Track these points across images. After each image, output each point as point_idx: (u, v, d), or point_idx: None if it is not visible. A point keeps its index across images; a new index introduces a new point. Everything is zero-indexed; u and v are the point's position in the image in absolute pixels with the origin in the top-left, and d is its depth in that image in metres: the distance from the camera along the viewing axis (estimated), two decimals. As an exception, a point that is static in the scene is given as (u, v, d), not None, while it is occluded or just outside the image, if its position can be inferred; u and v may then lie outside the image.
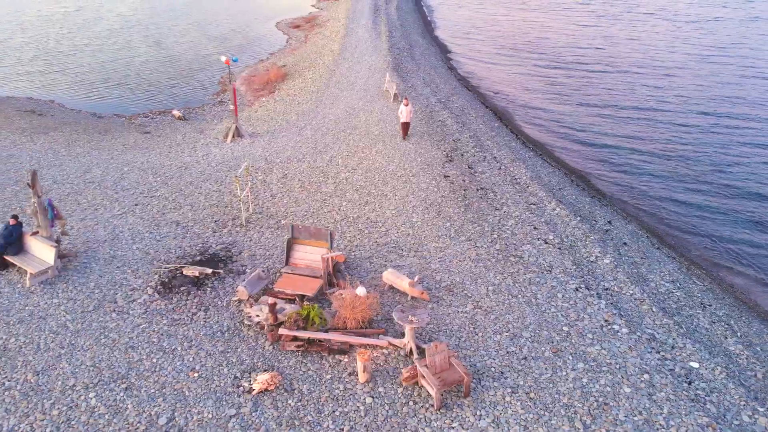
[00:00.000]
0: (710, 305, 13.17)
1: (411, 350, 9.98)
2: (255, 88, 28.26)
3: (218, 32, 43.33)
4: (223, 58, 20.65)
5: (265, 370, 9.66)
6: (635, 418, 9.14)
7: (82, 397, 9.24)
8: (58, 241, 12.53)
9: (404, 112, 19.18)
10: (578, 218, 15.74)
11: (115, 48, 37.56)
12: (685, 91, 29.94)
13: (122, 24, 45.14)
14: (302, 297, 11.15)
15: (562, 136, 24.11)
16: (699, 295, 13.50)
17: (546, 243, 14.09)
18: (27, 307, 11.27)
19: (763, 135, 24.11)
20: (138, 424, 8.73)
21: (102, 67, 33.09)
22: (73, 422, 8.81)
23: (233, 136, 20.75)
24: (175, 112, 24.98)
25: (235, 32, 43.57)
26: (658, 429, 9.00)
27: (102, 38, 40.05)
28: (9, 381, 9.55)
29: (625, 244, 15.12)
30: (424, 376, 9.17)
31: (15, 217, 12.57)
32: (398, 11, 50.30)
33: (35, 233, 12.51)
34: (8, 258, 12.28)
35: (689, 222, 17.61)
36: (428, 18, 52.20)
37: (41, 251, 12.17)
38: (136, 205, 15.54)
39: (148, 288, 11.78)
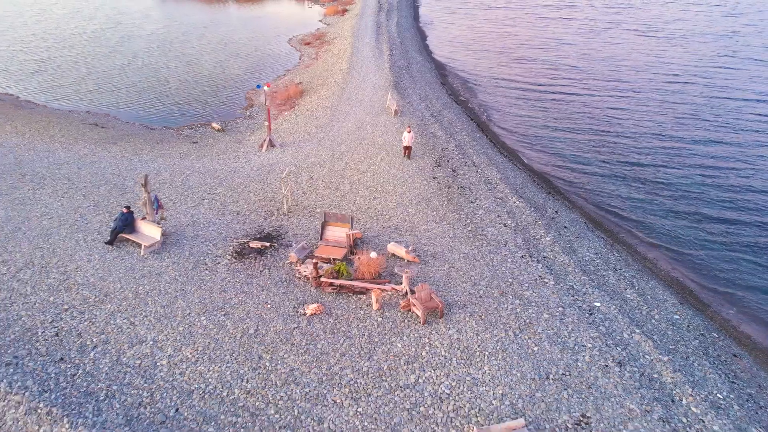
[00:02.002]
0: (620, 269, 18.48)
1: (406, 291, 15.28)
2: (278, 104, 33.51)
3: (239, 50, 48.63)
4: (263, 86, 25.92)
5: (312, 303, 14.99)
6: (549, 332, 14.45)
7: (196, 320, 14.55)
8: (159, 225, 17.83)
9: (407, 138, 23.45)
10: (532, 209, 21.06)
11: (152, 65, 42.85)
12: (641, 106, 35.25)
13: (156, 43, 50.44)
14: (334, 259, 16.46)
15: (532, 144, 29.42)
16: (614, 262, 18.82)
17: (505, 226, 19.41)
18: (145, 268, 16.58)
19: (694, 145, 29.41)
20: (235, 334, 14.05)
21: (143, 83, 38.38)
22: (193, 334, 14.12)
23: (267, 146, 26.05)
24: (215, 125, 30.29)
25: (254, 49, 48.87)
26: (563, 338, 14.31)
27: (140, 56, 45.35)
28: (144, 312, 14.86)
29: (565, 227, 20.44)
30: (414, 305, 14.50)
31: (128, 207, 17.88)
32: (398, 27, 55.62)
33: (143, 218, 17.82)
34: (125, 235, 17.58)
35: (623, 212, 22.87)
36: (425, 33, 57.48)
37: (150, 230, 17.49)
38: (203, 199, 20.87)
39: (227, 255, 17.12)
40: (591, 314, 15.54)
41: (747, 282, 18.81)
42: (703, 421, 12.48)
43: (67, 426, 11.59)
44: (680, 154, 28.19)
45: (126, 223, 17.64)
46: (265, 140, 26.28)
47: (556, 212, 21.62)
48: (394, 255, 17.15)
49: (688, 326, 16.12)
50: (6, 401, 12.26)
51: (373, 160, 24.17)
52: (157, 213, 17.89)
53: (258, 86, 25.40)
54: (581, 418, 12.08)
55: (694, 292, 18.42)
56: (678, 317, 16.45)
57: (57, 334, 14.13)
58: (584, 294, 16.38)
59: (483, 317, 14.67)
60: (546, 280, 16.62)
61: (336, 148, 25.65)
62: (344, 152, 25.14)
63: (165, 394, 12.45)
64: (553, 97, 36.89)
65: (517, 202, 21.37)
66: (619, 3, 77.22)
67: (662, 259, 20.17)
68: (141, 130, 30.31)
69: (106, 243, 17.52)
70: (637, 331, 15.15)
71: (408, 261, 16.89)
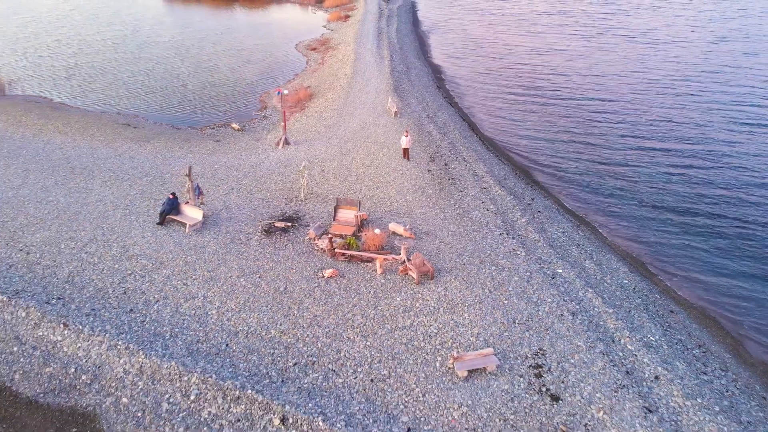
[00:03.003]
0: (583, 245, 22.13)
1: (404, 260, 18.91)
2: (289, 106, 37.11)
3: (251, 56, 52.28)
4: (280, 92, 29.51)
5: (329, 268, 18.63)
6: (517, 290, 18.09)
7: (237, 281, 18.19)
8: (200, 208, 21.47)
9: (404, 141, 26.87)
10: (512, 196, 24.72)
11: (174, 70, 46.50)
12: (617, 110, 38.89)
13: (174, 49, 54.09)
14: (345, 235, 20.10)
15: (516, 142, 33.05)
16: (578, 240, 22.46)
17: (487, 210, 23.06)
18: (191, 242, 20.23)
19: (659, 145, 33.04)
20: (268, 290, 17.70)
21: (167, 87, 42.01)
22: (235, 291, 17.76)
23: (283, 144, 29.67)
24: (234, 125, 33.93)
25: (265, 55, 52.51)
26: (528, 294, 17.95)
27: (161, 62, 49.01)
28: (194, 275, 18.50)
29: (539, 212, 24.10)
30: (410, 269, 18.14)
31: (173, 193, 21.53)
32: (398, 33, 59.28)
33: (187, 203, 21.48)
34: (172, 217, 21.21)
35: (592, 201, 26.48)
36: (423, 38, 61.12)
37: (193, 212, 21.13)
38: (232, 189, 24.52)
39: (257, 232, 20.77)
40: (553, 278, 19.20)
41: (692, 257, 22.42)
42: (636, 356, 16.13)
43: (142, 357, 15.26)
44: (646, 153, 31.81)
45: (173, 206, 21.29)
46: (281, 138, 29.92)
47: (533, 199, 25.28)
48: (394, 232, 20.79)
49: (634, 288, 19.77)
50: (90, 341, 15.95)
51: (375, 156, 27.80)
52: (198, 198, 21.54)
53: (278, 93, 28.99)
54: (538, 350, 15.74)
55: (644, 263, 22.07)
56: (627, 282, 20.11)
57: (125, 292, 17.80)
58: (549, 263, 20.04)
59: (465, 279, 18.33)
60: (518, 252, 20.27)
61: (343, 146, 29.28)
62: (350, 149, 28.76)
63: (216, 334, 16.12)
64: (538, 99, 40.54)
65: (499, 191, 25.03)
66: (609, 9, 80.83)
67: (620, 238, 23.81)
68: (168, 129, 33.95)
69: (157, 223, 21.18)
70: (591, 291, 18.81)
71: (406, 237, 20.53)
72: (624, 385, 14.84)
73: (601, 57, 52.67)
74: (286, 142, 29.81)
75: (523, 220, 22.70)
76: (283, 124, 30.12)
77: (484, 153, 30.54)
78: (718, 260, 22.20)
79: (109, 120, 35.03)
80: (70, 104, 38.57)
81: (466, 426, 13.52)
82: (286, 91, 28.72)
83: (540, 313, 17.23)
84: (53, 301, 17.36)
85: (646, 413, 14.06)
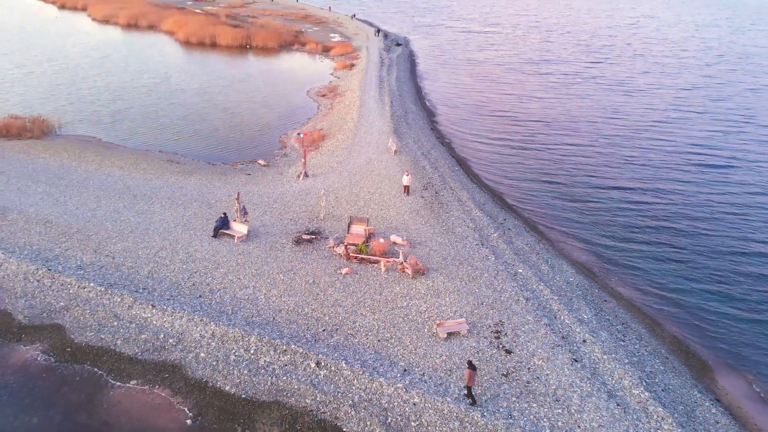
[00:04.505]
0: (541, 253, 28.32)
1: (402, 261, 25.05)
2: (306, 145, 43.86)
3: (269, 101, 59.59)
4: (301, 133, 36.22)
5: (345, 267, 24.81)
6: (486, 283, 24.21)
7: (277, 276, 24.33)
8: (245, 224, 27.80)
9: (405, 179, 33.37)
10: (488, 217, 31.08)
11: (205, 114, 53.61)
12: (584, 150, 45.71)
13: (205, 95, 61.53)
14: (357, 244, 26.34)
15: (495, 174, 39.61)
16: (538, 250, 28.67)
17: (467, 227, 29.38)
18: (239, 250, 26.43)
19: (616, 175, 39.61)
20: (301, 283, 23.83)
21: (200, 129, 48.91)
22: (276, 283, 23.89)
23: (303, 176, 36.20)
24: (260, 161, 40.56)
25: (280, 100, 59.82)
26: (494, 286, 24.06)
27: (194, 107, 56.24)
28: (244, 273, 24.63)
29: (509, 229, 30.41)
30: (406, 268, 24.32)
31: (224, 213, 27.88)
32: (397, 81, 66.91)
33: (235, 220, 27.81)
34: (223, 231, 27.49)
35: (554, 221, 32.79)
36: (419, 86, 68.75)
37: (240, 227, 27.43)
38: (265, 211, 30.88)
39: (289, 242, 27.03)
40: (515, 276, 25.35)
41: (629, 264, 28.58)
42: (571, 327, 22.15)
43: (213, 326, 21.29)
44: (602, 187, 38.36)
45: (224, 223, 27.61)
46: (301, 172, 36.49)
47: (505, 220, 31.63)
48: (394, 242, 27.03)
49: (577, 284, 25.89)
50: (173, 316, 22.00)
51: (379, 186, 34.27)
52: (244, 217, 27.90)
53: (299, 134, 35.61)
54: (498, 322, 21.77)
55: (590, 268, 28.22)
56: (572, 279, 26.24)
57: (193, 284, 23.94)
58: (512, 265, 26.22)
59: (447, 275, 24.48)
60: (489, 257, 26.47)
61: (352, 177, 35.81)
62: (359, 180, 35.27)
63: (265, 311, 22.19)
64: (516, 141, 47.42)
65: (478, 213, 31.41)
66: (593, 58, 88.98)
67: (573, 249, 30.03)
68: (205, 165, 40.57)
69: (211, 236, 27.47)
70: (542, 284, 24.93)
71: (403, 245, 26.75)
72: (559, 345, 20.84)
73: (577, 104, 59.99)
74: (306, 175, 36.35)
75: (495, 235, 28.99)
76: (303, 160, 36.77)
77: (468, 184, 37.07)
78: (650, 266, 28.38)
79: (154, 157, 41.69)
80: (117, 143, 45.33)
81: (445, 368, 19.46)
82: (303, 134, 35.31)
83: (502, 298, 23.33)
84: (140, 291, 23.48)
85: (572, 362, 20.01)
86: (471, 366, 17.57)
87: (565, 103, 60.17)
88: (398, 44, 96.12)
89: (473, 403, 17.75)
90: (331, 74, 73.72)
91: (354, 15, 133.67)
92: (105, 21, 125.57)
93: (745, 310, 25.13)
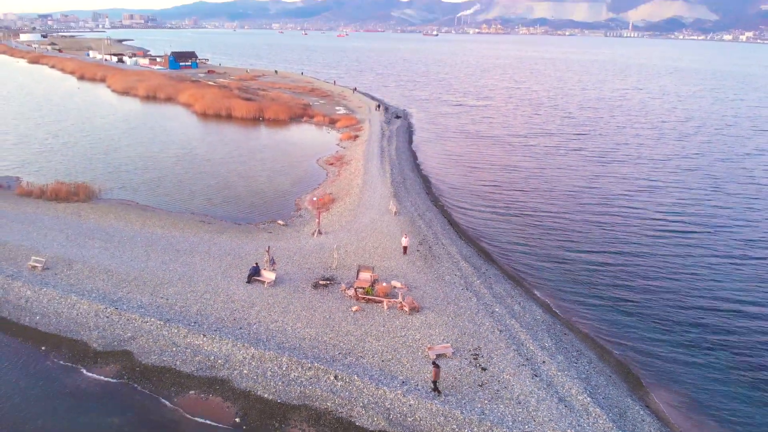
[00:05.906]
0: (515, 297, 34.40)
1: (401, 301, 31.13)
2: (317, 207, 50.80)
3: (284, 168, 67.25)
4: (315, 198, 43.22)
5: (355, 306, 30.90)
6: (468, 318, 30.23)
7: (300, 312, 30.39)
8: (273, 271, 34.11)
9: (404, 241, 40.28)
10: (473, 268, 37.42)
11: (229, 181, 61.01)
12: (559, 216, 52.70)
13: (230, 165, 69.34)
14: (364, 287, 32.53)
15: (481, 231, 46.24)
16: (513, 294, 34.78)
17: (455, 275, 35.67)
18: (269, 292, 32.58)
19: (587, 227, 46.26)
20: (320, 318, 29.88)
21: (225, 194, 56.05)
22: (300, 318, 29.92)
23: (317, 234, 42.77)
24: (279, 222, 47.28)
25: (293, 167, 67.48)
26: (475, 320, 30.06)
27: (218, 175, 63.73)
28: (274, 309, 30.72)
29: (490, 277, 36.68)
30: (404, 306, 30.44)
31: (256, 263, 34.26)
32: (397, 151, 75.03)
33: (265, 269, 34.15)
34: (255, 278, 33.76)
35: (530, 270, 39.04)
36: (416, 155, 76.82)
37: (269, 275, 33.73)
38: (287, 262, 37.24)
39: (308, 287, 33.26)
40: (492, 313, 31.40)
41: (589, 303, 34.62)
42: (534, 352, 27.98)
43: (252, 349, 27.19)
44: (573, 244, 44.93)
45: (256, 271, 33.94)
46: (315, 230, 43.12)
47: (486, 270, 37.97)
48: (395, 286, 33.25)
49: (543, 321, 31.86)
50: (220, 343, 27.93)
51: (381, 242, 40.80)
52: (272, 266, 34.27)
53: (314, 199, 42.59)
54: (477, 348, 27.65)
55: (554, 310, 34.23)
56: (539, 318, 32.23)
57: (234, 319, 29.99)
58: (491, 305, 32.32)
59: (437, 312, 30.56)
60: (471, 299, 32.60)
61: (359, 235, 42.40)
62: (364, 237, 41.84)
63: (292, 339, 28.13)
64: (500, 204, 54.48)
65: (464, 264, 37.79)
66: (580, 130, 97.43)
67: (542, 294, 36.14)
68: (232, 225, 47.30)
69: (246, 282, 33.72)
70: (514, 320, 30.92)
71: (401, 288, 32.95)
72: (523, 364, 26.65)
73: (556, 174, 67.58)
74: (320, 233, 42.97)
75: (477, 282, 35.24)
76: (317, 220, 43.49)
77: (457, 240, 43.66)
78: (605, 308, 34.44)
79: (188, 218, 48.49)
80: (153, 206, 52.28)
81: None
82: (318, 199, 42.26)
83: (481, 330, 29.31)
84: (192, 324, 29.49)
85: (533, 377, 25.78)
86: (435, 365, 23.63)
87: (547, 173, 67.85)
88: (398, 116, 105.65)
89: (438, 393, 23.72)
90: (338, 144, 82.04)
91: (355, 88, 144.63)
92: (125, 92, 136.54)
93: (677, 341, 30.95)
